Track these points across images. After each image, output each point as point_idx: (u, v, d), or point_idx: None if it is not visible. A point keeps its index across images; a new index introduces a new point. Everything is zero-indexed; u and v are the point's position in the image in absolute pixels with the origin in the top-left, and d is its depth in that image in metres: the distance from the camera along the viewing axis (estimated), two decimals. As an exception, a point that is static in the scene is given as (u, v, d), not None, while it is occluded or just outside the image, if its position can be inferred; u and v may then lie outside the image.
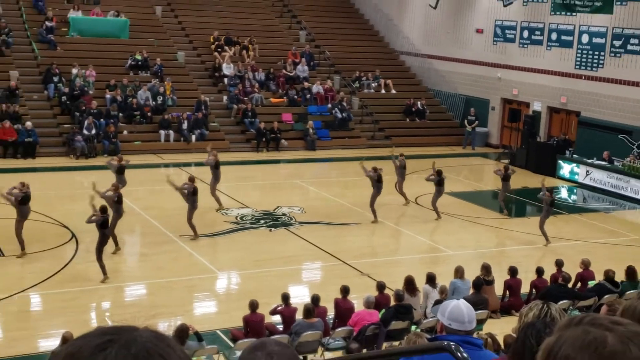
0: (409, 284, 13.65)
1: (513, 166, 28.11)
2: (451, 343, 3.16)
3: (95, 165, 25.34)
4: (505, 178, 21.60)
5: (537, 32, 30.27)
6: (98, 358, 1.05)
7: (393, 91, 34.16)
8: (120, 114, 28.27)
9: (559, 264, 14.86)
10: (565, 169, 26.88)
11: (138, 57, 30.81)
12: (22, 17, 31.42)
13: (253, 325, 12.28)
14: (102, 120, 27.19)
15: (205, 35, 33.69)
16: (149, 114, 28.62)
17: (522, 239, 19.61)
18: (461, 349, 3.09)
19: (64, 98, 27.98)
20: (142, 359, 1.06)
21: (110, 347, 1.06)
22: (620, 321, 1.40)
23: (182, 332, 10.84)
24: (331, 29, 37.20)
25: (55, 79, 28.57)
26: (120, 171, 19.79)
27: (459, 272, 14.28)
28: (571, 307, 13.29)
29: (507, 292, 14.83)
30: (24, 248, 16.33)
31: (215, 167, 20.30)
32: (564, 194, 25.35)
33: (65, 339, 10.72)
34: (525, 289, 14.87)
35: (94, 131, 26.60)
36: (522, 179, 26.51)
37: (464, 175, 27.36)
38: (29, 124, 26.01)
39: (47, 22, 30.77)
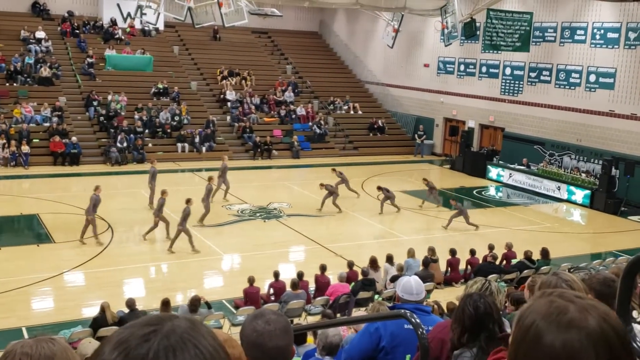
0: (373, 262, 13.69)
1: (453, 170, 28.39)
2: (406, 311, 3.16)
3: (127, 171, 25.17)
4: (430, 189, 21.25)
5: (471, 66, 30.43)
6: (143, 347, 1.02)
7: (360, 112, 34.18)
8: (146, 130, 28.05)
9: (490, 247, 14.92)
10: (493, 172, 27.03)
11: (160, 86, 30.59)
12: (69, 55, 31.10)
13: (251, 295, 12.24)
14: (131, 135, 26.97)
15: (213, 68, 33.53)
16: (169, 130, 28.42)
17: (459, 227, 19.63)
18: (414, 315, 3.08)
19: (101, 118, 27.73)
20: (179, 347, 1.02)
21: (153, 338, 1.03)
22: (582, 296, 1.35)
23: (195, 302, 10.77)
24: (311, 64, 37.16)
25: (95, 103, 28.30)
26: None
27: (410, 253, 14.33)
28: (498, 280, 13.36)
29: (449, 268, 14.88)
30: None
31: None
32: (492, 192, 25.49)
33: (103, 308, 10.62)
34: (462, 266, 14.93)
35: (125, 144, 26.38)
36: (460, 180, 26.69)
37: (415, 177, 27.41)
38: (74, 138, 25.77)
39: (88, 59, 30.48)
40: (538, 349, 1.25)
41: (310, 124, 31.69)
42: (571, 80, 25.84)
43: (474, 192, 24.78)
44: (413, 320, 2.98)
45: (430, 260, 14.03)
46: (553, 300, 1.32)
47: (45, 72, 28.80)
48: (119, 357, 1.01)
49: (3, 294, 12.93)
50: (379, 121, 33.10)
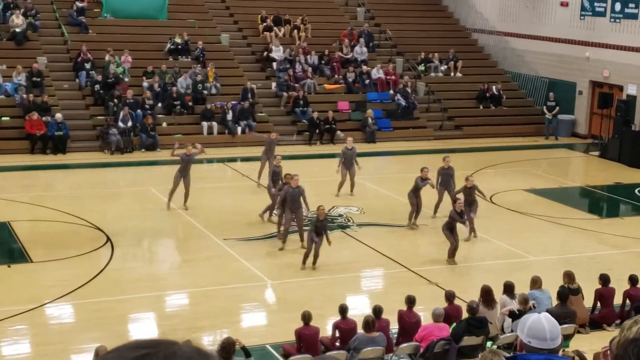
0: (486, 294, 13.52)
1: (603, 159, 27.78)
2: (533, 363, 3.11)
3: (132, 162, 25.67)
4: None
5: (632, 4, 29.66)
6: None
7: (459, 74, 33.85)
8: (159, 104, 28.55)
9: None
10: (665, 161, 26.33)
11: (178, 40, 31.08)
12: (51, -2, 31.97)
13: (306, 339, 12.29)
14: (138, 111, 27.49)
15: (252, 14, 33.81)
16: (190, 103, 28.85)
17: (614, 243, 19.21)
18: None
19: (97, 87, 28.35)
20: None
21: None
22: None
23: (228, 347, 10.90)
24: (393, 5, 37.01)
25: (87, 65, 28.96)
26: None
27: (537, 283, 14.08)
28: (672, 321, 12.99)
29: (598, 303, 14.58)
30: None
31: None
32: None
33: (98, 354, 10.88)
34: (618, 299, 14.61)
35: (130, 123, 26.91)
36: (614, 173, 26.08)
37: (546, 169, 26.99)
38: (59, 115, 26.39)
39: (77, 3, 31.21)
40: None
41: (391, 92, 31.58)
42: None
43: (636, 190, 24.20)
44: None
45: (568, 292, 13.79)
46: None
47: (17, 22, 29.64)
48: None
49: (-37, 333, 13.43)
50: (494, 87, 32.71)
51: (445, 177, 20.09)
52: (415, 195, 19.40)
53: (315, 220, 16.81)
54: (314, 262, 16.56)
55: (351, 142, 22.42)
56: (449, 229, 17.09)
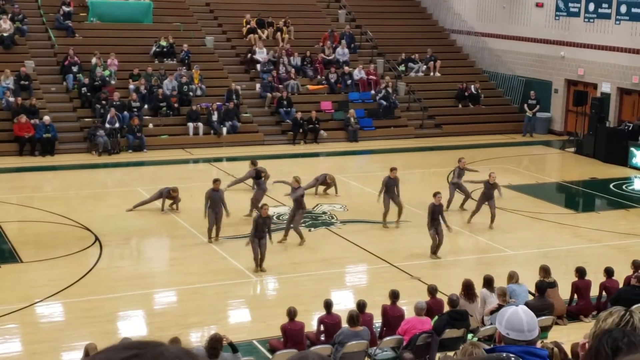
0: (468, 288, 13.54)
1: (579, 155, 27.88)
2: (511, 355, 3.13)
3: (119, 162, 25.61)
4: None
5: (605, 5, 29.79)
6: None
7: (437, 74, 33.92)
8: (145, 106, 28.47)
9: (637, 265, 14.59)
10: (639, 156, 26.44)
11: (163, 43, 30.99)
12: (37, 2, 31.79)
13: (292, 334, 12.30)
14: (125, 112, 27.41)
15: (236, 17, 33.76)
16: (176, 105, 28.78)
17: (590, 236, 19.30)
18: (523, 362, 3.05)
19: (84, 89, 28.24)
20: None
21: None
22: None
23: (216, 343, 10.89)
24: (373, 7, 37.00)
25: (74, 68, 28.85)
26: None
27: (513, 278, 14.14)
28: (647, 312, 13.06)
29: (575, 295, 14.66)
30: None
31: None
32: (637, 185, 24.95)
33: (88, 352, 10.84)
34: (594, 291, 14.70)
35: (117, 125, 26.83)
36: (590, 169, 26.20)
37: (524, 166, 27.09)
38: (46, 118, 26.30)
39: (64, 7, 31.08)
40: None
41: (372, 92, 31.61)
42: None
43: (611, 185, 24.33)
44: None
45: (546, 285, 13.85)
46: None
47: (5, 26, 29.48)
48: None
49: (-45, 333, 13.36)
50: (472, 87, 32.80)
51: (461, 177, 20.72)
52: (388, 196, 19.35)
53: (257, 217, 16.54)
54: (261, 265, 16.20)
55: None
56: (432, 224, 17.16)
